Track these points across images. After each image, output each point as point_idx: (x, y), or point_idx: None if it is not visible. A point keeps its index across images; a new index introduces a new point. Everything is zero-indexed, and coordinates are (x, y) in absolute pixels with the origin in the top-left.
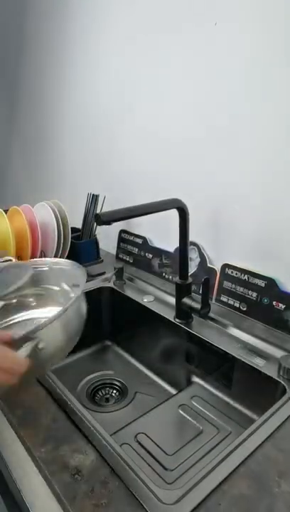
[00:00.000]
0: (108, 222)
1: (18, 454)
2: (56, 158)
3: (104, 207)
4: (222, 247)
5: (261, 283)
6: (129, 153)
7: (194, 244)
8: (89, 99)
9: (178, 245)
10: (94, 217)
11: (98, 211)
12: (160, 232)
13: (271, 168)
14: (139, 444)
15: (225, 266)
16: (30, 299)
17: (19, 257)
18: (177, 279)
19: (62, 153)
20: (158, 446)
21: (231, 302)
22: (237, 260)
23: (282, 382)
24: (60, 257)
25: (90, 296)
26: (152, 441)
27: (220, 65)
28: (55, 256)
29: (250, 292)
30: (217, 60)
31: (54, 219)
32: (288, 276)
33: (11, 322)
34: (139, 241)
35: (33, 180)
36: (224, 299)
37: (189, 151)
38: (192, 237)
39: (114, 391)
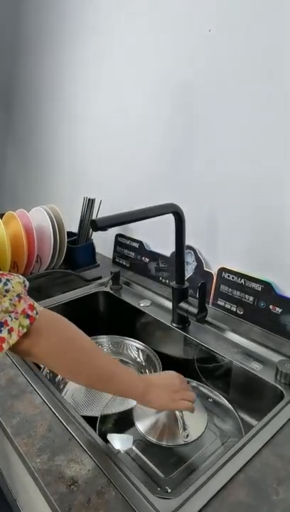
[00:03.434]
0: (104, 228)
1: (13, 465)
2: (52, 162)
3: (101, 211)
4: (218, 251)
5: (258, 287)
6: (127, 156)
7: (190, 248)
8: (87, 102)
9: (175, 249)
10: (90, 223)
11: (94, 215)
12: (157, 236)
13: (263, 170)
14: (136, 451)
15: (222, 270)
16: None
17: (15, 262)
18: (173, 283)
19: (59, 157)
20: (155, 453)
21: (228, 306)
22: (234, 264)
23: (279, 386)
24: (57, 262)
25: (86, 300)
26: (150, 447)
27: None
28: (52, 260)
29: (247, 296)
30: None
31: (50, 223)
32: (285, 280)
33: None
34: (136, 245)
35: (28, 184)
36: (221, 302)
37: (186, 155)
38: (188, 241)
39: None
